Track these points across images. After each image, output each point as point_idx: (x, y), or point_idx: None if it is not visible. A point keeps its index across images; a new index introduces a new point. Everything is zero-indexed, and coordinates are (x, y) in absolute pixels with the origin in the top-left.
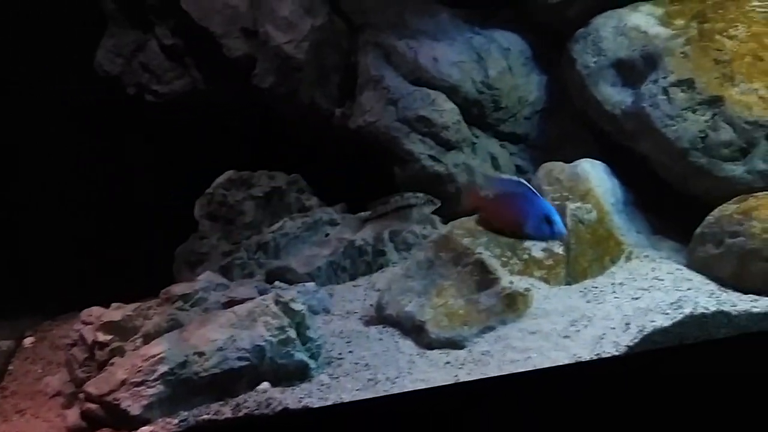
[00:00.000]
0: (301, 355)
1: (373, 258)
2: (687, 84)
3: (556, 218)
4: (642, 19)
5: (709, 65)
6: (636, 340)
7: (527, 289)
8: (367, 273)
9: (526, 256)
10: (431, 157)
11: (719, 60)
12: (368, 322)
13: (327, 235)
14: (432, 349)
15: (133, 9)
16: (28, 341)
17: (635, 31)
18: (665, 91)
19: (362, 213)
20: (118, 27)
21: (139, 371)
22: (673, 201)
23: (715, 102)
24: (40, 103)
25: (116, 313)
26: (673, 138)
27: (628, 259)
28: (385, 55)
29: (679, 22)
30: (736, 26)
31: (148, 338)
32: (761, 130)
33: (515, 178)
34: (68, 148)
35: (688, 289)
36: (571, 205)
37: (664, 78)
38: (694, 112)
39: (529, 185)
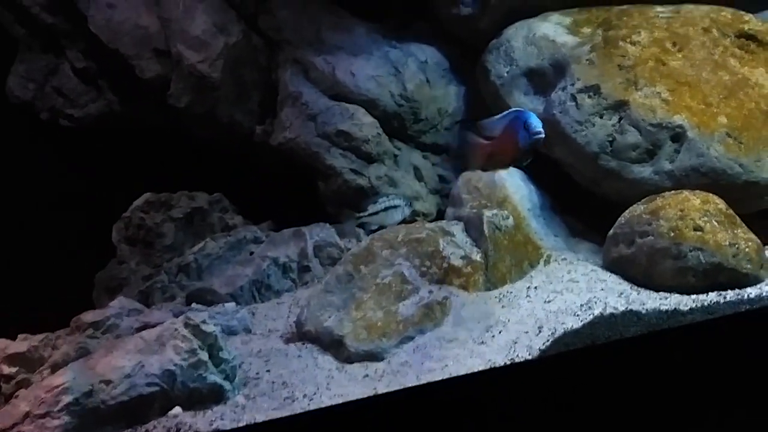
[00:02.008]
0: (214, 378)
1: (298, 274)
2: (593, 90)
3: (531, 120)
4: (551, 29)
5: (613, 71)
6: (548, 343)
7: (445, 298)
8: (292, 290)
9: (445, 265)
10: (353, 170)
11: (623, 65)
12: (288, 340)
13: (251, 253)
14: (351, 362)
15: (44, 33)
16: None
17: (544, 41)
18: (573, 98)
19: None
20: (29, 52)
21: (43, 403)
22: (588, 203)
23: (620, 106)
24: None
25: (22, 344)
26: (583, 143)
27: (547, 262)
28: (304, 71)
29: (586, 30)
30: (639, 32)
31: (55, 368)
32: (665, 131)
33: (511, 110)
34: None
35: (601, 289)
36: (487, 213)
37: (572, 85)
38: (601, 117)
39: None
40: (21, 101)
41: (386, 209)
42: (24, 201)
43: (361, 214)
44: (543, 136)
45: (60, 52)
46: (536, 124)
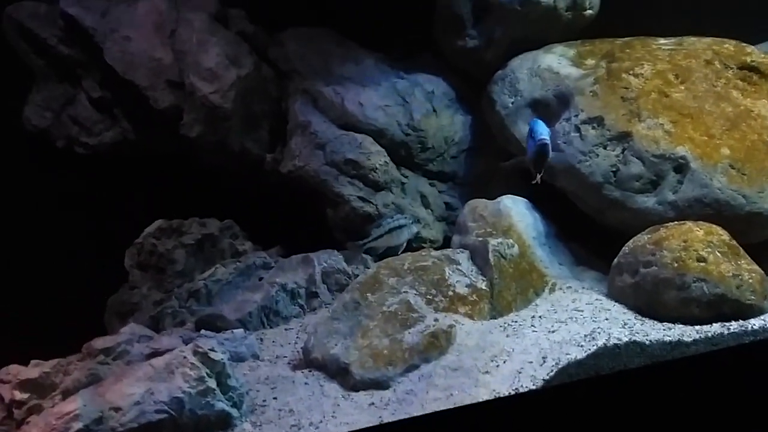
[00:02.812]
0: (222, 405)
1: (306, 300)
2: (597, 121)
3: (536, 128)
4: (555, 60)
5: (617, 102)
6: (552, 374)
7: (451, 326)
8: (300, 316)
9: (450, 293)
10: (361, 198)
11: (626, 97)
12: (295, 367)
13: (260, 279)
14: (357, 390)
15: (61, 64)
16: None
17: (548, 72)
18: (577, 129)
19: (358, 242)
20: (46, 82)
21: (54, 429)
22: (593, 232)
23: (624, 137)
24: None
25: (34, 370)
26: (587, 173)
27: (552, 290)
28: (313, 100)
29: (590, 62)
30: (642, 64)
31: (66, 394)
32: (668, 162)
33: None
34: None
35: (605, 319)
36: (492, 241)
37: (576, 116)
38: (605, 147)
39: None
40: (38, 129)
41: (391, 231)
42: (40, 226)
43: (366, 241)
44: (548, 143)
45: (76, 82)
46: (541, 131)
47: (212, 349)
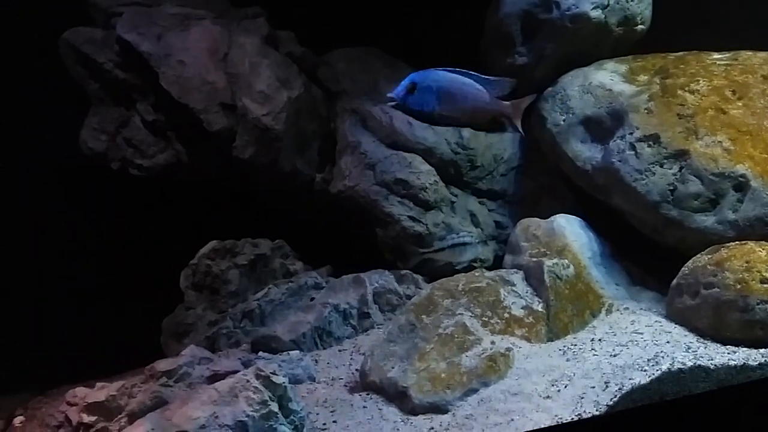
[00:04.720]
0: (284, 428)
1: (358, 321)
2: (653, 139)
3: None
4: (607, 77)
5: (672, 120)
6: (615, 399)
7: (508, 349)
8: (352, 336)
9: (506, 315)
10: (411, 217)
11: (682, 114)
12: (352, 389)
13: (312, 299)
14: (416, 414)
15: (116, 88)
16: (17, 420)
17: (600, 89)
18: (632, 147)
19: (420, 249)
20: (102, 105)
21: None
22: (650, 251)
23: (681, 155)
24: (26, 178)
25: (100, 393)
26: (644, 192)
27: (609, 312)
28: (362, 120)
29: (643, 78)
30: (698, 80)
31: (132, 417)
32: (728, 181)
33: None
34: (54, 222)
35: (667, 342)
36: (547, 262)
37: (631, 134)
38: (661, 165)
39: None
40: (94, 152)
41: (453, 246)
42: (97, 247)
43: (426, 250)
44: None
45: (131, 105)
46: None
47: (274, 373)
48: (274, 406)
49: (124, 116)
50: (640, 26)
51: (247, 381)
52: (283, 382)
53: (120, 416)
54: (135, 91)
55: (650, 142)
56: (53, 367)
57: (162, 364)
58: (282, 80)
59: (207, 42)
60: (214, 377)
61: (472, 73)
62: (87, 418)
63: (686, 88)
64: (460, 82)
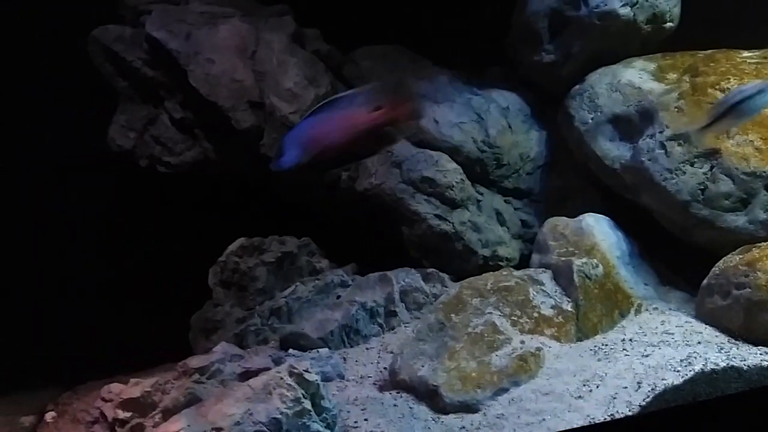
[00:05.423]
0: (317, 426)
1: (384, 319)
2: (683, 138)
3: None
4: (635, 75)
5: (703, 118)
6: (648, 399)
7: (538, 349)
8: (379, 334)
9: (536, 315)
10: (437, 216)
11: None
12: (382, 388)
13: (338, 297)
14: (447, 413)
15: (144, 85)
16: (49, 416)
17: (629, 87)
18: (662, 146)
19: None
20: (130, 103)
21: None
22: (679, 251)
23: (712, 155)
24: (54, 174)
25: (135, 389)
26: (674, 191)
27: (638, 312)
28: None
29: (672, 76)
30: (728, 79)
31: (166, 414)
32: (759, 180)
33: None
34: (85, 220)
35: (698, 343)
36: (577, 261)
37: (661, 132)
38: (692, 165)
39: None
40: (122, 149)
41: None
42: (126, 244)
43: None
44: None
45: (159, 103)
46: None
47: (307, 370)
48: (307, 404)
49: (152, 114)
50: (668, 24)
51: (281, 378)
52: (316, 380)
53: (154, 412)
54: (163, 88)
55: (680, 141)
56: (80, 363)
57: (194, 361)
58: (309, 78)
59: (235, 40)
60: (246, 374)
61: (342, 94)
62: (122, 414)
63: (717, 87)
64: (322, 119)
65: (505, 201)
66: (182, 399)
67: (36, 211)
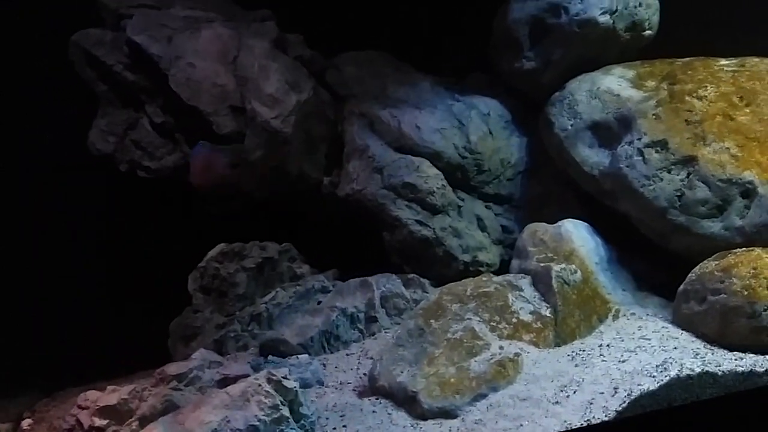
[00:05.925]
0: None
1: (365, 325)
2: (661, 145)
3: None
4: (614, 82)
5: (680, 126)
6: (624, 405)
7: (517, 354)
8: (359, 340)
9: (515, 320)
10: (418, 221)
11: (690, 120)
12: (361, 394)
13: (319, 302)
14: (425, 419)
15: (125, 90)
16: (25, 423)
17: (608, 94)
18: (640, 152)
19: None
20: (110, 107)
21: None
22: (657, 257)
23: (688, 162)
24: (34, 180)
25: (112, 396)
26: (651, 197)
27: (616, 317)
28: (370, 124)
29: (650, 83)
30: (705, 87)
31: (143, 421)
32: (735, 187)
33: None
34: (61, 224)
35: (674, 348)
36: (555, 267)
37: (639, 139)
38: (669, 171)
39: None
40: (102, 153)
41: None
42: (104, 249)
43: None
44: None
45: (139, 107)
46: None
47: (285, 377)
48: (285, 411)
49: (133, 118)
50: (648, 31)
51: (259, 385)
52: (294, 387)
53: (131, 420)
54: (144, 93)
55: (658, 148)
56: (58, 369)
57: (172, 368)
58: (291, 83)
59: (217, 45)
60: (225, 381)
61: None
62: (98, 422)
63: (694, 94)
64: None
65: (486, 207)
66: (159, 406)
67: (14, 216)
